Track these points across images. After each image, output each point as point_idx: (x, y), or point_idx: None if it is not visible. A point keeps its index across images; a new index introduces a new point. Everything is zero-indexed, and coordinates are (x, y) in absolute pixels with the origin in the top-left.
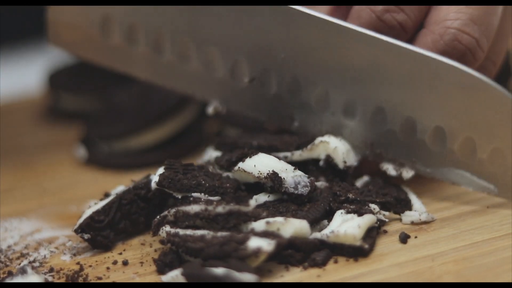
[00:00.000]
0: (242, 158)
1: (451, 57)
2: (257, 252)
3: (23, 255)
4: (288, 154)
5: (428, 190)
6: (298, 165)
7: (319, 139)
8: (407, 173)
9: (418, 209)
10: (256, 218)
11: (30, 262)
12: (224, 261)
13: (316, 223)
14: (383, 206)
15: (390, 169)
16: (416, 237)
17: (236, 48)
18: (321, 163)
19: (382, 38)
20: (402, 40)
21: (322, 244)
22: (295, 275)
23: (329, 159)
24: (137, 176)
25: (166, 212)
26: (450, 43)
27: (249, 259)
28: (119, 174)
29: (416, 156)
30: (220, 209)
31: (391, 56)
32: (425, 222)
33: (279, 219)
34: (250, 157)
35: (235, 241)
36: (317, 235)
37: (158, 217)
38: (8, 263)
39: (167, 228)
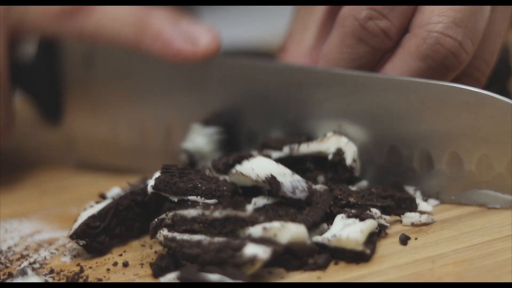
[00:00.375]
0: (239, 161)
1: (434, 61)
2: (253, 259)
3: (23, 257)
4: (295, 145)
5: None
6: (295, 161)
7: (331, 132)
8: (434, 202)
9: (425, 207)
10: (253, 223)
11: (30, 264)
12: (220, 267)
13: (315, 226)
14: (384, 210)
15: (417, 195)
16: (416, 238)
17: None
18: (330, 156)
19: (381, 77)
20: (386, 46)
21: (322, 248)
22: (295, 276)
23: (340, 153)
24: (135, 178)
25: (164, 215)
26: (433, 47)
27: (245, 266)
28: (119, 174)
29: (438, 186)
30: (217, 214)
31: (393, 93)
32: (425, 224)
33: (276, 224)
34: (248, 160)
35: (231, 248)
36: (318, 238)
37: (156, 219)
38: (8, 265)
39: (165, 231)
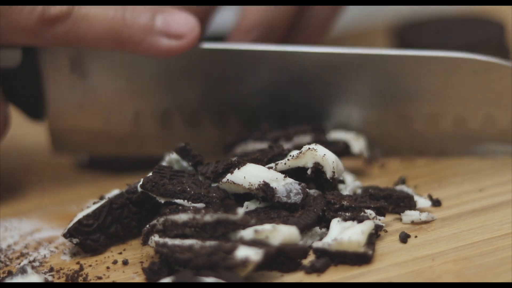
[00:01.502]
0: (229, 169)
1: None
2: (245, 262)
3: (23, 255)
4: (272, 164)
5: (429, 190)
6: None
7: (306, 147)
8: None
9: (423, 203)
10: (245, 226)
11: (30, 262)
12: (213, 270)
13: (307, 229)
14: (378, 211)
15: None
16: (416, 236)
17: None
18: (308, 171)
19: (395, 53)
20: None
21: (322, 253)
22: (295, 274)
23: (318, 167)
24: (136, 179)
25: (155, 221)
26: None
27: (238, 269)
28: (120, 174)
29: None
30: (208, 218)
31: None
32: (425, 222)
33: (267, 226)
34: (238, 168)
35: (223, 251)
36: (318, 244)
37: (147, 226)
38: (8, 263)
39: (156, 237)
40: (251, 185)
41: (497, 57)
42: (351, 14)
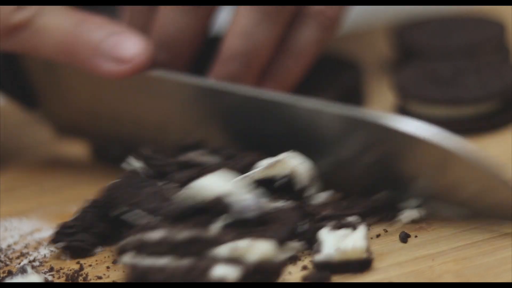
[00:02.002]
0: (192, 179)
1: None
2: (222, 281)
3: (23, 255)
4: (242, 174)
5: None
6: (259, 183)
7: (281, 155)
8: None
9: (409, 216)
10: (219, 243)
11: (30, 262)
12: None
13: (282, 243)
14: (362, 216)
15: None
16: (416, 236)
17: None
18: (280, 181)
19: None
20: None
21: (324, 267)
22: (296, 274)
23: (293, 176)
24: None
25: (125, 241)
26: None
27: None
28: (118, 173)
29: None
30: (181, 236)
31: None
32: (425, 221)
33: (243, 243)
34: (199, 179)
35: (198, 270)
36: (319, 257)
37: (119, 244)
38: (8, 263)
39: (126, 258)
40: (206, 199)
41: (497, 57)
42: (351, 14)
